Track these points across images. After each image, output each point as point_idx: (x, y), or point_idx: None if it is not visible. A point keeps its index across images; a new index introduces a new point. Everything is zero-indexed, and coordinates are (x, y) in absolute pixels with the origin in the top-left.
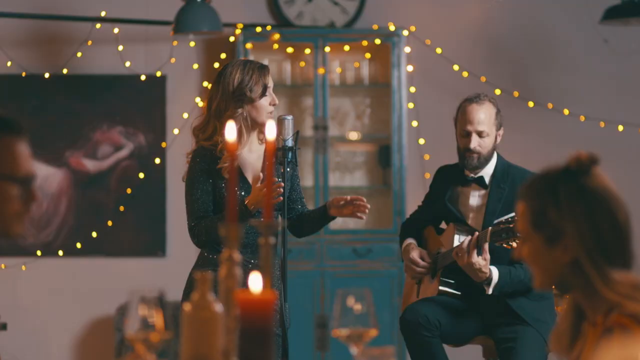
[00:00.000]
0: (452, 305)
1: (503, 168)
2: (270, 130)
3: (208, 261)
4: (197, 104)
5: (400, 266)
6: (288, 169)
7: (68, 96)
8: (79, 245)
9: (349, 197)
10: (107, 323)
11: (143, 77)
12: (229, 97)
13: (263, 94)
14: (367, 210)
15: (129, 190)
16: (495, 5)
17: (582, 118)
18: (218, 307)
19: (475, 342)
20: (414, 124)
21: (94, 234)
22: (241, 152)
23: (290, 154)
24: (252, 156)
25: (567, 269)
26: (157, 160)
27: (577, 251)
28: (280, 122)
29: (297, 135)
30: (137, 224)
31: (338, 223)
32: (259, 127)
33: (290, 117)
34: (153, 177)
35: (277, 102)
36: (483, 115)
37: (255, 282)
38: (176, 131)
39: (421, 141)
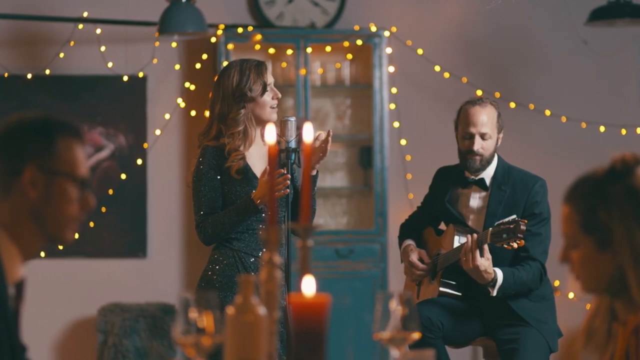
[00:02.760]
0: (453, 307)
1: (504, 170)
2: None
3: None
4: (178, 104)
5: (383, 267)
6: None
7: (50, 97)
8: (60, 246)
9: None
10: (89, 324)
11: (125, 78)
12: (230, 99)
13: (264, 92)
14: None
15: (110, 191)
16: (477, 7)
17: (564, 119)
18: (262, 310)
19: (476, 343)
20: (396, 124)
21: (76, 235)
22: (250, 151)
23: (293, 156)
24: (261, 152)
25: (615, 273)
26: (139, 161)
27: (622, 253)
28: (283, 124)
29: (299, 136)
30: (118, 225)
31: (319, 223)
32: (264, 124)
33: (293, 119)
34: (134, 178)
35: (279, 95)
36: (486, 118)
37: (309, 285)
38: (158, 132)
39: (403, 142)
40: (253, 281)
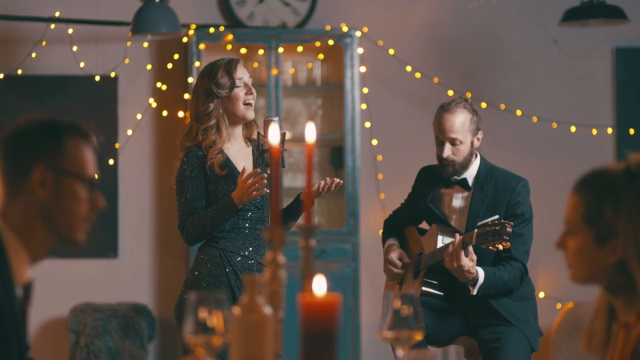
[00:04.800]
0: (435, 306)
1: (486, 170)
2: (274, 135)
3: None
4: (150, 104)
5: (354, 267)
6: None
7: (21, 97)
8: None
9: (320, 185)
10: (60, 324)
11: (97, 78)
12: (202, 97)
13: (232, 86)
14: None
15: None
16: (448, 7)
17: (535, 119)
18: (267, 310)
19: (458, 342)
20: (367, 124)
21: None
22: (231, 149)
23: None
24: (244, 152)
25: (612, 269)
26: (110, 161)
27: (627, 253)
28: (267, 124)
29: (284, 136)
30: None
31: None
32: (239, 120)
33: (277, 119)
34: (106, 178)
35: (253, 91)
36: (455, 124)
37: (320, 285)
38: (129, 132)
39: (374, 142)
40: (257, 280)
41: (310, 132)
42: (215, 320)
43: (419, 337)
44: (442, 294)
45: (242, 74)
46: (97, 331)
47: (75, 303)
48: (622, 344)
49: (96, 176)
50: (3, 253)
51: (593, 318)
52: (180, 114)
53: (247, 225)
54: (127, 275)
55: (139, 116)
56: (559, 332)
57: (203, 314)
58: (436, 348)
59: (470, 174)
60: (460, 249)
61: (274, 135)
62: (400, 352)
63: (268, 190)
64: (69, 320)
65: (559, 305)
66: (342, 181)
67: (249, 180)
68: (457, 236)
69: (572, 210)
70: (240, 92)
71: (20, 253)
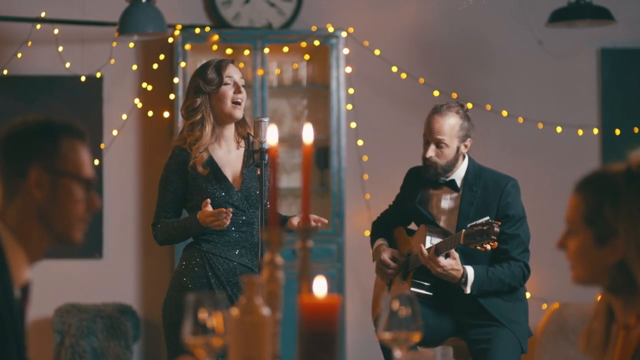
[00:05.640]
0: (425, 307)
1: (475, 171)
2: (272, 135)
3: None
4: (135, 105)
5: (340, 267)
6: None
7: (7, 98)
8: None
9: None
10: (45, 324)
11: (83, 78)
12: (191, 95)
13: (220, 84)
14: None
15: None
16: (434, 8)
17: (521, 119)
18: (265, 311)
19: (447, 343)
20: (353, 125)
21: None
22: (219, 151)
23: (267, 156)
24: (231, 156)
25: (612, 270)
26: (96, 162)
27: (628, 254)
28: (257, 125)
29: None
30: None
31: None
32: (227, 119)
33: (267, 119)
34: None
35: (242, 91)
36: (443, 126)
37: (320, 286)
38: (115, 132)
39: (360, 142)
40: (257, 282)
41: (308, 134)
42: (215, 321)
43: (416, 338)
44: (431, 294)
45: (233, 73)
46: (82, 332)
47: (60, 303)
48: (622, 345)
49: (91, 175)
50: (1, 253)
51: (592, 319)
52: (166, 114)
53: (232, 228)
54: (112, 276)
55: (124, 116)
56: (545, 333)
57: (202, 314)
58: (425, 349)
59: (458, 175)
60: (433, 255)
61: (272, 136)
62: (397, 353)
63: (251, 189)
64: (54, 320)
65: (544, 306)
66: (326, 221)
67: (211, 217)
68: (422, 247)
69: (573, 210)
70: (228, 90)
71: (18, 253)
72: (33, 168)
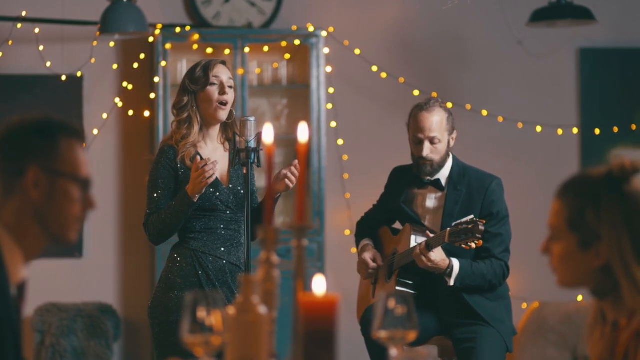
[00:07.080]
0: None
1: (459, 170)
2: (268, 135)
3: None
4: (116, 104)
5: (320, 266)
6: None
7: None
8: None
9: (282, 172)
10: (25, 324)
11: (64, 78)
12: (180, 93)
13: (206, 83)
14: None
15: None
16: (414, 8)
17: (501, 119)
18: (262, 310)
19: (432, 342)
20: (333, 124)
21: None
22: (205, 149)
23: (253, 155)
24: (218, 154)
25: (597, 273)
26: None
27: (611, 257)
28: (243, 124)
29: (260, 136)
30: None
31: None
32: (212, 121)
33: (252, 119)
34: None
35: (227, 92)
36: (434, 122)
37: (320, 284)
38: (95, 132)
39: (340, 142)
40: (254, 280)
41: (303, 133)
42: (214, 319)
43: (412, 336)
44: (416, 293)
45: (220, 74)
46: (63, 331)
47: (40, 303)
48: (609, 342)
49: (88, 175)
50: None
51: (592, 324)
52: (147, 113)
53: (221, 226)
54: (92, 275)
55: (104, 116)
56: (525, 332)
57: (201, 313)
58: (416, 347)
59: (443, 174)
60: (425, 250)
61: (267, 135)
62: (393, 352)
63: (238, 188)
64: (34, 320)
65: (524, 305)
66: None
67: (198, 170)
68: (417, 245)
69: (555, 215)
70: (214, 91)
71: (14, 252)
72: (31, 167)
